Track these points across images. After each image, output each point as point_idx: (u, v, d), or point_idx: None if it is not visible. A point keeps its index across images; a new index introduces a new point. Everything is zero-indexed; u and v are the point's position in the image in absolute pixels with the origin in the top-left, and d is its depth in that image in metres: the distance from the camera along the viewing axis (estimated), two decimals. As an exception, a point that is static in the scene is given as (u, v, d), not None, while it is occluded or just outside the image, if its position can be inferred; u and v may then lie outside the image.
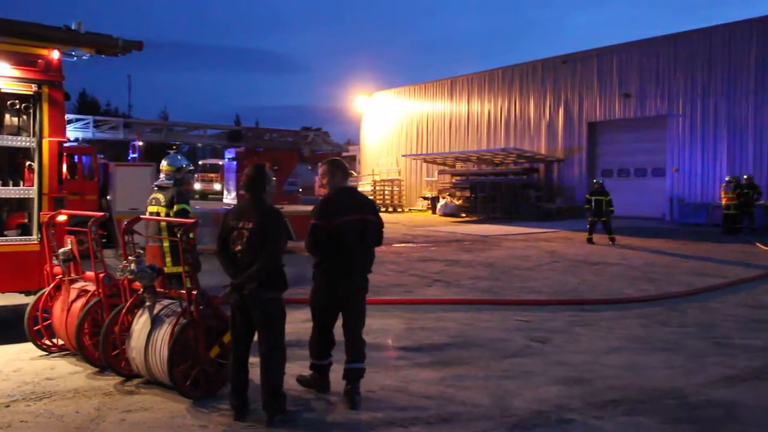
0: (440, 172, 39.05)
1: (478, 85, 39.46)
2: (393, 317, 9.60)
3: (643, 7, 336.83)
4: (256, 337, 5.72)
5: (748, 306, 10.73)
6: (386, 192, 40.83)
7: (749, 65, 27.25)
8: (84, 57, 8.32)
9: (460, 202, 35.25)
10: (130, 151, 19.32)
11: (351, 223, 6.12)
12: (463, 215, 34.19)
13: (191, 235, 6.16)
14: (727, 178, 24.87)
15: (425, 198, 39.48)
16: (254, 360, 5.71)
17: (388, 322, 9.28)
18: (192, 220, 6.40)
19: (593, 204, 20.33)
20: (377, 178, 41.89)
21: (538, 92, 35.80)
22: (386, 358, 7.51)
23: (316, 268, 6.23)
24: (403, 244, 20.20)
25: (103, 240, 7.72)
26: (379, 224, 6.38)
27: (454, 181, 37.37)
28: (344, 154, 27.85)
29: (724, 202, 24.13)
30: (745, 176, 24.85)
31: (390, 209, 39.55)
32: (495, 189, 33.66)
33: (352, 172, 48.62)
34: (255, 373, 5.75)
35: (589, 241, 20.38)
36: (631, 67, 31.54)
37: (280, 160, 16.84)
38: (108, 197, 16.72)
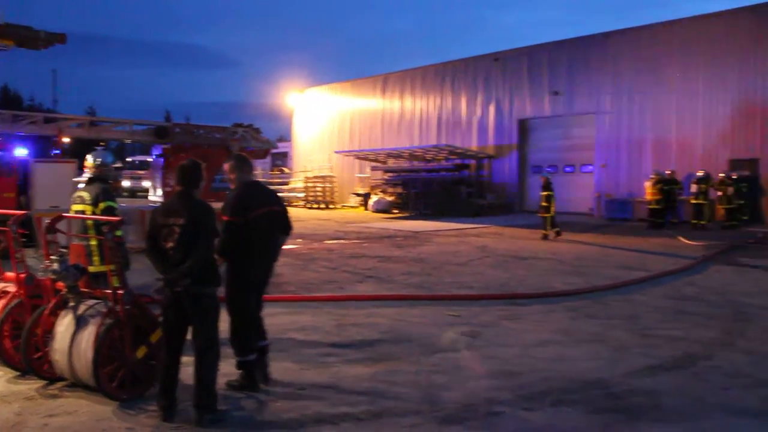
0: (373, 169, 39.14)
1: (411, 82, 39.70)
2: (324, 314, 9.62)
3: (571, 9, 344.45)
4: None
5: (671, 298, 11.13)
6: (318, 189, 40.71)
7: (672, 64, 28.16)
8: (3, 49, 8.07)
9: (393, 198, 35.42)
10: (53, 148, 18.77)
11: (262, 216, 6.32)
12: (396, 211, 34.36)
13: (118, 233, 6.05)
14: (652, 175, 25.74)
15: (357, 194, 39.49)
16: (184, 359, 5.67)
17: (319, 319, 9.30)
18: (118, 218, 6.30)
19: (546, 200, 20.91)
20: (309, 175, 41.72)
21: (470, 90, 36.23)
22: (317, 355, 7.53)
23: (229, 264, 6.28)
24: (335, 241, 20.21)
25: (24, 239, 7.47)
26: (285, 213, 6.67)
27: (386, 177, 37.51)
28: (274, 150, 27.65)
29: (648, 197, 25.01)
30: (667, 171, 25.71)
31: (322, 206, 39.46)
32: (427, 185, 33.96)
33: (284, 168, 48.35)
34: (184, 373, 5.70)
35: (545, 237, 20.78)
36: (560, 66, 32.19)
37: (208, 156, 16.61)
38: (27, 194, 16.18)
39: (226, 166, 6.60)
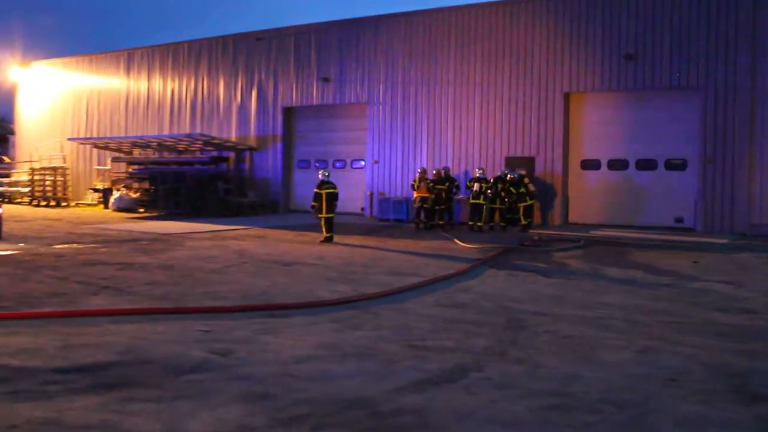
0: (114, 160, 37.67)
1: (160, 60, 38.59)
2: (47, 333, 8.99)
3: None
4: None
5: (443, 305, 11.63)
6: (48, 183, 38.45)
7: (449, 53, 29.64)
8: None
9: (138, 195, 34.34)
10: None
11: None
12: (142, 210, 33.33)
13: None
14: (418, 170, 27.06)
15: (96, 190, 37.86)
16: None
17: (41, 340, 8.67)
18: None
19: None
20: (36, 166, 39.26)
21: (229, 71, 35.88)
22: (36, 384, 6.99)
23: None
24: (66, 245, 19.11)
25: None
26: None
27: (131, 170, 36.26)
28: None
29: (416, 195, 26.02)
30: (441, 169, 27.08)
31: (53, 203, 37.36)
32: (179, 180, 33.17)
33: (4, 157, 45.09)
34: None
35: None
36: (330, 50, 32.76)
37: None
38: None
39: None
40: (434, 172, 26.91)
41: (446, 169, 27.08)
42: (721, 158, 24.39)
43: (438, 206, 25.95)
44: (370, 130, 31.64)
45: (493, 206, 25.89)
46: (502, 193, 25.79)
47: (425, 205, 25.84)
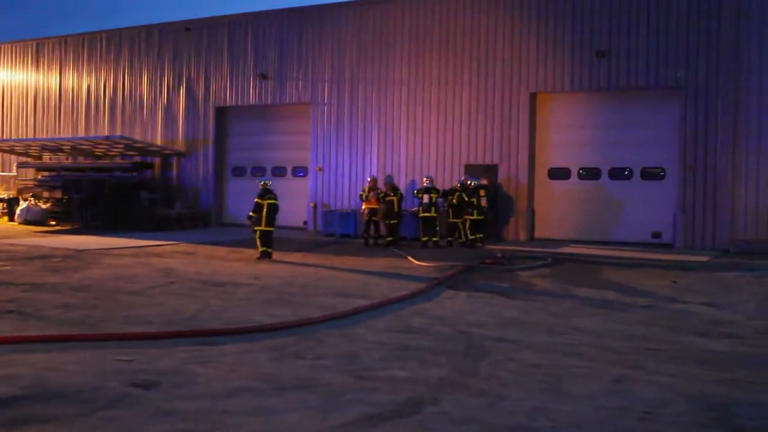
0: (20, 165, 37.13)
1: (74, 52, 38.17)
2: (-60, 365, 8.83)
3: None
4: None
5: (395, 330, 11.66)
6: (-59, 191, 37.75)
7: (403, 49, 29.74)
8: None
9: (49, 205, 33.79)
10: None
11: None
12: (53, 223, 32.85)
13: None
14: (369, 178, 26.95)
15: (0, 200, 37.23)
16: None
17: (-69, 372, 8.52)
18: None
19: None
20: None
21: (154, 66, 35.62)
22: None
23: None
24: (-38, 264, 18.81)
25: None
26: None
27: (40, 177, 35.71)
28: None
29: (364, 207, 25.94)
30: (368, 178, 26.94)
31: (-53, 215, 36.61)
32: (97, 189, 32.73)
33: None
34: None
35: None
36: (269, 42, 32.72)
37: None
38: None
39: None
40: (368, 179, 26.91)
41: (388, 179, 26.93)
42: (703, 166, 24.78)
43: (389, 220, 25.92)
44: (313, 134, 31.59)
45: (455, 220, 25.79)
46: (454, 201, 25.59)
47: (374, 218, 25.83)
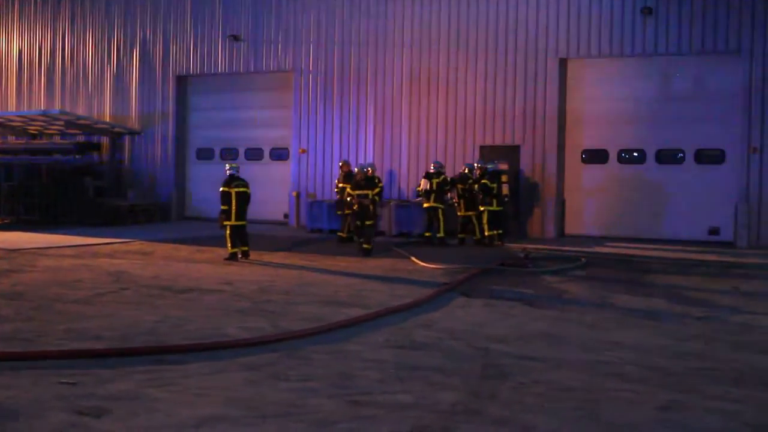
0: (-61, 148, 37.06)
1: (2, 7, 38.05)
2: None
3: None
4: None
5: (397, 346, 11.60)
6: None
7: (404, 4, 29.69)
8: None
9: (-27, 196, 33.82)
10: None
11: None
12: (-23, 217, 32.85)
13: None
14: (340, 164, 26.89)
15: None
16: None
17: None
18: None
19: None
20: None
21: (101, 26, 35.62)
22: None
23: None
24: None
25: None
26: None
27: (-37, 162, 35.72)
28: None
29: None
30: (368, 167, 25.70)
31: None
32: (31, 175, 32.81)
33: None
34: None
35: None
36: (240, -3, 32.79)
37: None
38: None
39: None
40: (340, 163, 27.00)
41: (364, 166, 24.70)
42: (772, 148, 24.83)
43: (363, 220, 23.24)
44: (295, 109, 31.66)
45: (467, 213, 25.73)
46: (475, 188, 25.42)
47: (338, 212, 25.56)
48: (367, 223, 22.97)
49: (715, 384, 9.82)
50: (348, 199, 24.09)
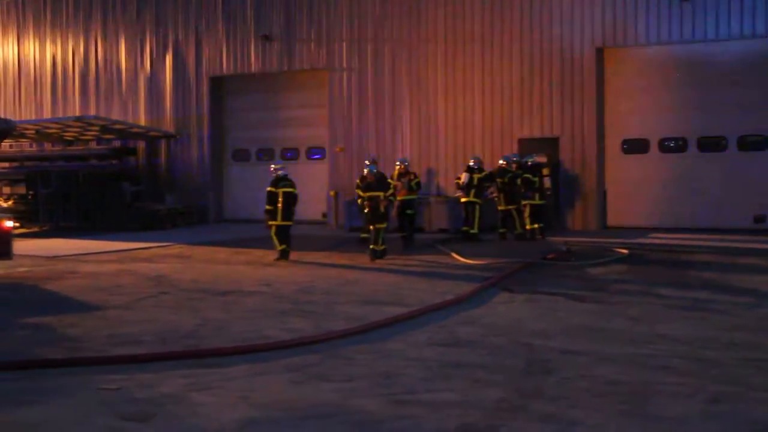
0: (-26, 156, 37.42)
1: (34, 15, 38.35)
2: None
3: None
4: None
5: (439, 344, 11.58)
6: None
7: (438, 1, 29.67)
8: None
9: (11, 203, 34.03)
10: None
11: None
12: (16, 225, 32.95)
13: None
14: (397, 164, 25.59)
15: (-50, 199, 37.58)
16: None
17: None
18: None
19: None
20: None
21: (133, 30, 35.70)
22: None
23: None
24: None
25: None
26: None
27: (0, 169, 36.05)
28: None
29: (399, 197, 25.37)
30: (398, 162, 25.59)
31: None
32: (68, 182, 32.90)
33: None
34: None
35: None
36: (272, -4, 32.81)
37: None
38: None
39: None
40: (398, 164, 25.56)
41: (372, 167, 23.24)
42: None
43: (374, 223, 22.12)
44: (331, 108, 31.65)
45: (508, 207, 25.53)
46: (518, 181, 25.26)
47: (408, 211, 25.44)
48: (378, 225, 21.88)
49: (764, 375, 9.74)
50: (359, 201, 23.84)
